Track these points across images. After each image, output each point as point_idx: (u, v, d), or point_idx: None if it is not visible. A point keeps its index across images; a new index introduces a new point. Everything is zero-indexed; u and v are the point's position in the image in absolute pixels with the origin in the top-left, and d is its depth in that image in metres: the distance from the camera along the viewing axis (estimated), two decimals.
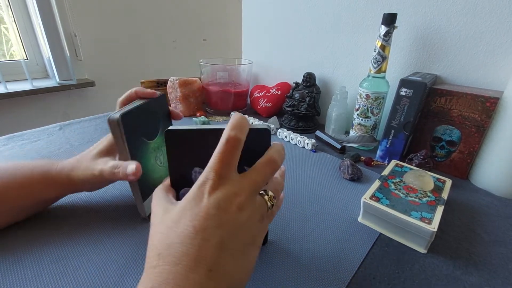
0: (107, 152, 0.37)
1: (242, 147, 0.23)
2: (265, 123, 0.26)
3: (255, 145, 0.24)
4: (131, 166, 0.32)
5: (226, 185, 0.22)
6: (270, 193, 0.25)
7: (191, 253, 0.19)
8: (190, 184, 0.24)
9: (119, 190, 0.44)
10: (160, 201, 0.25)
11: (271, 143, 0.26)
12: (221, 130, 0.23)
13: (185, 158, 0.26)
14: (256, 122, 0.74)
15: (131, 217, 0.38)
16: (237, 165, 0.23)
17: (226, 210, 0.21)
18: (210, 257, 0.20)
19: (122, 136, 0.32)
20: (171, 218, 0.22)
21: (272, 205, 0.25)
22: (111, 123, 0.31)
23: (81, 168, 0.35)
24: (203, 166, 0.23)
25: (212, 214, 0.21)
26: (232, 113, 0.79)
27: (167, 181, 0.28)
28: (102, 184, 0.38)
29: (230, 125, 0.22)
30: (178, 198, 0.26)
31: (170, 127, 0.25)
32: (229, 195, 0.21)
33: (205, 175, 0.22)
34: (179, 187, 0.27)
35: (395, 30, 0.54)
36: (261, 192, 0.25)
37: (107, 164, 0.34)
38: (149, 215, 0.30)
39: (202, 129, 0.26)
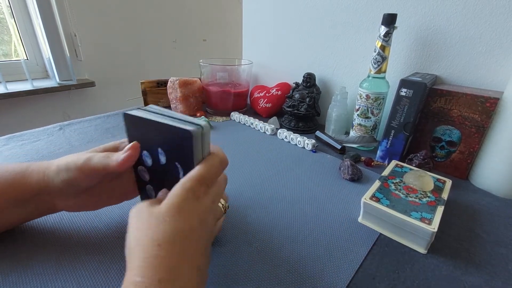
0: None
1: (217, 177, 0.28)
2: (200, 120, 0.27)
3: (177, 144, 0.26)
4: (123, 153, 0.28)
5: (209, 193, 0.26)
6: (222, 201, 0.34)
7: (186, 252, 0.22)
8: (142, 163, 0.29)
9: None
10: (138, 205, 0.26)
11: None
12: (166, 125, 0.25)
13: (138, 140, 0.29)
14: (256, 123, 0.74)
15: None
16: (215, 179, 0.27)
17: (208, 215, 0.26)
18: (197, 258, 0.23)
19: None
20: (168, 209, 0.23)
21: (225, 210, 0.34)
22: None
23: (61, 162, 0.30)
24: (148, 149, 0.28)
25: (203, 217, 0.25)
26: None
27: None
28: (83, 183, 0.30)
29: (221, 154, 0.28)
30: (143, 191, 0.32)
31: (128, 112, 0.28)
32: (211, 201, 0.27)
33: (193, 181, 0.25)
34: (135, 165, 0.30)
35: (395, 31, 0.54)
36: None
37: (98, 154, 0.29)
38: None
39: (150, 119, 0.27)
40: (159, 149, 0.27)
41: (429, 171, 0.48)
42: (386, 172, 0.46)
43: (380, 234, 0.38)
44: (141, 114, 0.27)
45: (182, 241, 0.22)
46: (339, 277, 0.31)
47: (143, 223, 0.23)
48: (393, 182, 0.43)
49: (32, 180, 0.30)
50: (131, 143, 0.29)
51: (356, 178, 0.51)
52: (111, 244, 0.34)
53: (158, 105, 0.47)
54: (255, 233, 0.37)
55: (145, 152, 0.29)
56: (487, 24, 0.51)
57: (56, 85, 1.17)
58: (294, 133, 0.67)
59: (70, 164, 0.29)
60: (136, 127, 0.29)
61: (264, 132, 0.72)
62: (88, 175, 0.29)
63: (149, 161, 0.29)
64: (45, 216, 0.37)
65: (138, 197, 0.34)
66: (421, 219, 0.35)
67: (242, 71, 0.85)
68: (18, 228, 0.35)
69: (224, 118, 0.81)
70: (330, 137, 0.65)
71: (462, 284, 0.31)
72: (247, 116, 0.78)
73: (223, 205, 0.34)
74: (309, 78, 0.73)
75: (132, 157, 0.28)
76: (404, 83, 0.51)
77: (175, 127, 0.25)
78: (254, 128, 0.75)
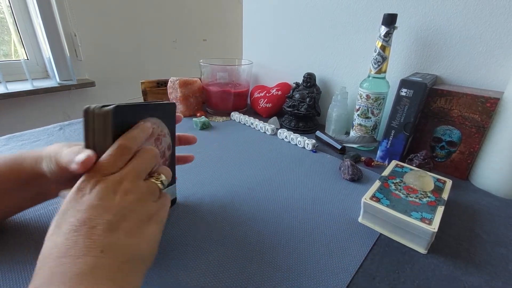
0: None
1: (131, 155, 0.26)
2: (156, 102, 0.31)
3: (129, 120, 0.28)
4: (82, 154, 0.25)
5: (106, 179, 0.24)
6: (155, 174, 0.29)
7: (78, 243, 0.20)
8: None
9: None
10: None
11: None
12: (154, 104, 0.28)
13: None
14: (256, 123, 0.74)
15: None
16: (124, 161, 0.26)
17: (110, 198, 0.23)
18: (99, 240, 0.21)
19: (108, 130, 0.26)
20: (53, 225, 0.22)
21: (161, 182, 0.29)
22: (101, 113, 0.25)
23: (47, 152, 0.30)
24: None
25: (95, 204, 0.22)
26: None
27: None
28: (65, 173, 0.29)
29: (125, 134, 0.26)
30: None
31: (117, 104, 0.26)
32: (111, 185, 0.24)
33: (83, 177, 0.24)
34: None
35: (395, 31, 0.54)
36: (152, 176, 0.29)
37: (69, 149, 0.28)
38: None
39: (131, 104, 0.28)
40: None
41: (429, 171, 0.48)
42: (386, 172, 0.46)
43: (380, 234, 0.38)
44: (126, 103, 0.28)
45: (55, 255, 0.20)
46: (339, 277, 0.31)
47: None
48: (393, 182, 0.43)
49: (27, 167, 0.31)
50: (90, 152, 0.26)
51: (356, 178, 0.51)
52: None
53: None
54: (254, 233, 0.37)
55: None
56: (487, 24, 0.51)
57: (56, 85, 1.17)
58: (294, 133, 0.67)
59: (51, 155, 0.30)
60: (125, 118, 0.28)
61: (264, 132, 0.72)
62: (64, 168, 0.28)
63: None
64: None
65: None
66: (421, 219, 0.35)
67: (242, 71, 0.85)
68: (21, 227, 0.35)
69: (224, 118, 0.81)
70: (330, 137, 0.65)
71: (462, 284, 0.31)
72: (247, 116, 0.78)
73: (155, 179, 0.29)
74: (309, 78, 0.73)
75: (92, 160, 0.25)
76: (404, 83, 0.51)
77: (163, 102, 0.29)
78: (254, 128, 0.75)
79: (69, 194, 0.23)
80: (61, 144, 0.30)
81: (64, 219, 0.22)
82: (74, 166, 0.24)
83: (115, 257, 0.21)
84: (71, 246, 0.20)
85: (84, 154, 0.25)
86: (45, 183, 0.31)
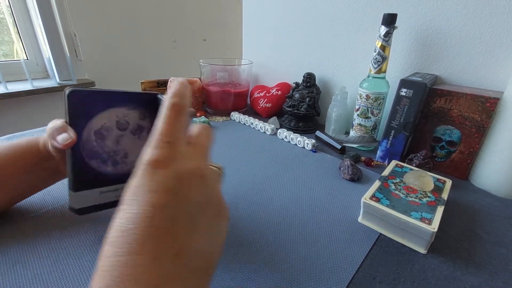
0: None
1: (187, 114, 0.20)
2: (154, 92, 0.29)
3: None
4: (63, 135, 0.29)
5: (180, 154, 0.18)
6: (214, 163, 0.26)
7: (153, 236, 0.15)
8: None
9: None
10: None
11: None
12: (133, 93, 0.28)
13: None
14: (256, 123, 0.74)
15: None
16: (186, 134, 0.20)
17: (189, 180, 0.18)
18: (176, 239, 0.16)
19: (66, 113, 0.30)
20: (124, 204, 0.17)
21: (222, 172, 0.26)
22: (65, 94, 0.29)
23: (47, 130, 0.33)
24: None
25: (173, 186, 0.17)
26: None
27: None
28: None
29: (171, 93, 0.20)
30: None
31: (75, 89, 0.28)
32: (187, 164, 0.18)
33: (154, 146, 0.18)
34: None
35: (395, 31, 0.54)
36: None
37: (53, 123, 0.31)
38: (80, 209, 0.31)
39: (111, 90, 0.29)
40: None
41: (429, 171, 0.48)
42: (386, 172, 0.46)
43: (380, 234, 0.38)
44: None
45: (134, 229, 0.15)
46: (339, 277, 0.31)
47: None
48: (393, 182, 0.43)
49: (42, 147, 0.35)
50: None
51: (356, 178, 0.51)
52: None
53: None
54: (254, 233, 0.37)
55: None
56: (487, 24, 0.51)
57: (56, 85, 1.17)
58: (294, 133, 0.67)
59: (46, 138, 0.33)
60: (84, 103, 0.29)
61: (264, 132, 0.72)
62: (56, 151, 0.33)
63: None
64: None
65: None
66: (421, 219, 0.35)
67: (242, 71, 0.85)
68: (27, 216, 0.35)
69: (224, 118, 0.81)
70: (330, 137, 0.65)
71: (462, 284, 0.31)
72: (247, 116, 0.78)
73: (216, 166, 0.27)
74: (309, 78, 0.73)
75: (73, 141, 0.29)
76: (404, 83, 0.51)
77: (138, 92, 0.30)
78: (254, 128, 0.75)
79: (139, 169, 0.17)
80: (53, 123, 0.31)
81: (137, 195, 0.16)
82: (58, 146, 0.28)
83: (189, 264, 0.17)
84: (142, 241, 0.15)
85: (63, 135, 0.28)
86: (55, 162, 0.35)
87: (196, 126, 0.22)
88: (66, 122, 0.30)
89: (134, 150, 0.34)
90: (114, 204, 0.33)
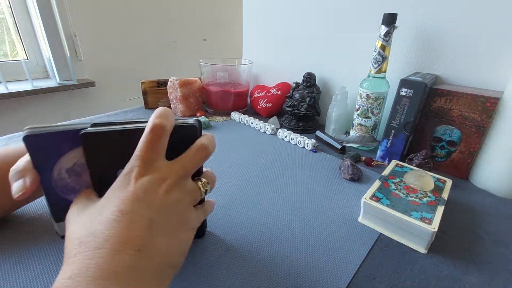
0: None
1: (168, 135, 0.23)
2: (192, 118, 0.26)
3: (183, 141, 0.25)
4: (18, 183, 0.24)
5: (153, 171, 0.22)
6: (203, 179, 0.27)
7: (117, 235, 0.19)
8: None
9: None
10: (78, 200, 0.24)
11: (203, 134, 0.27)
12: (142, 129, 0.23)
13: (106, 161, 0.25)
14: (256, 122, 0.74)
15: None
16: (164, 152, 0.23)
17: (154, 192, 0.22)
18: (139, 237, 0.20)
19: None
20: (94, 209, 0.22)
21: (206, 191, 0.27)
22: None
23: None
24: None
25: (140, 197, 0.21)
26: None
27: (86, 189, 0.26)
28: None
29: (154, 114, 0.23)
30: None
31: (86, 130, 0.23)
32: (156, 179, 0.22)
33: (132, 163, 0.22)
34: (103, 192, 0.24)
35: (395, 30, 0.54)
36: (195, 178, 0.27)
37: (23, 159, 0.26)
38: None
39: (122, 129, 0.24)
40: None
41: (429, 171, 0.48)
42: (386, 172, 0.46)
43: (380, 234, 0.38)
44: (107, 129, 0.24)
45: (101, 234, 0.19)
46: (339, 277, 0.31)
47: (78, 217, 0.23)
48: (393, 182, 0.43)
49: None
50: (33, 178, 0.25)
51: (356, 178, 0.51)
52: None
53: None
54: (254, 233, 0.37)
55: (121, 171, 0.24)
56: (488, 24, 0.51)
57: (56, 85, 1.17)
58: (294, 132, 0.67)
59: None
60: (103, 146, 0.24)
61: (264, 132, 0.72)
62: None
63: None
64: None
65: None
66: (421, 219, 0.35)
67: (242, 71, 0.85)
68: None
69: (224, 118, 0.81)
70: (330, 137, 0.65)
71: (462, 284, 0.31)
72: (247, 116, 0.78)
73: (202, 184, 0.27)
74: (309, 78, 0.73)
75: (27, 192, 0.24)
76: (404, 83, 0.51)
77: (177, 125, 0.25)
78: (254, 128, 0.75)
79: (116, 181, 0.22)
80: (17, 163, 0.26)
81: (107, 206, 0.21)
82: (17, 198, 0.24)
83: (150, 259, 0.20)
84: (109, 237, 0.19)
85: (18, 184, 0.24)
86: None
87: (192, 148, 0.25)
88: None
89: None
90: None
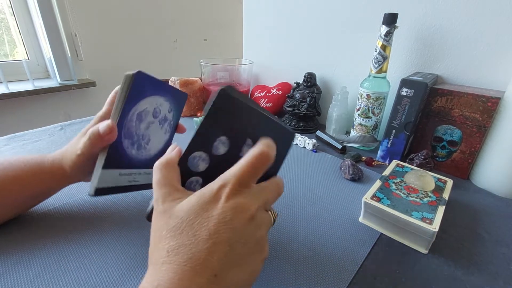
0: None
1: (269, 166, 0.23)
2: (288, 127, 0.26)
3: (279, 141, 0.24)
4: (103, 124, 0.30)
5: (244, 194, 0.22)
6: (274, 210, 0.27)
7: (200, 256, 0.19)
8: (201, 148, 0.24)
9: None
10: (166, 181, 0.23)
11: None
12: (275, 122, 0.24)
13: (218, 128, 0.24)
14: None
15: (135, 217, 0.39)
16: (263, 172, 0.23)
17: (240, 217, 0.21)
18: (217, 262, 0.20)
19: (125, 94, 0.30)
20: (185, 213, 0.21)
21: (274, 221, 0.27)
22: (127, 76, 0.30)
23: (68, 153, 0.35)
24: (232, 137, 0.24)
25: (228, 219, 0.21)
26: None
27: (170, 156, 0.25)
28: (91, 166, 0.33)
29: (264, 143, 0.23)
30: (184, 183, 0.25)
31: (226, 88, 0.22)
32: (245, 203, 0.22)
33: (227, 178, 0.22)
34: (187, 162, 0.24)
35: (396, 30, 0.54)
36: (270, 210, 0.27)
37: (81, 140, 0.33)
38: (97, 190, 0.31)
39: (255, 108, 0.24)
40: (248, 140, 0.25)
41: (430, 170, 0.48)
42: (387, 172, 0.46)
43: (381, 234, 0.38)
44: (248, 103, 0.24)
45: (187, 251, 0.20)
46: (340, 277, 0.31)
47: (159, 219, 0.22)
48: (394, 182, 0.43)
49: (47, 165, 0.36)
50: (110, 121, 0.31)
51: (357, 178, 0.51)
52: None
53: None
54: None
55: (222, 138, 0.24)
56: (488, 24, 0.50)
57: (57, 85, 1.17)
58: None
59: (71, 149, 0.35)
60: (230, 113, 0.24)
61: None
62: (85, 157, 0.33)
63: (222, 149, 0.25)
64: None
65: None
66: (422, 219, 0.35)
67: (242, 70, 0.85)
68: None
69: None
70: (330, 136, 0.65)
71: (463, 284, 0.31)
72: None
73: (273, 213, 0.27)
74: (310, 78, 0.73)
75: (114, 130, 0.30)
76: (405, 82, 0.51)
77: (282, 126, 0.25)
78: None
79: (207, 189, 0.22)
80: (73, 145, 0.35)
81: (196, 219, 0.21)
82: (106, 137, 0.30)
83: (222, 286, 0.20)
84: (194, 255, 0.19)
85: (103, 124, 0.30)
86: (52, 180, 0.36)
87: (273, 181, 0.25)
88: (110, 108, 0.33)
89: (155, 139, 0.36)
90: (125, 189, 0.35)
